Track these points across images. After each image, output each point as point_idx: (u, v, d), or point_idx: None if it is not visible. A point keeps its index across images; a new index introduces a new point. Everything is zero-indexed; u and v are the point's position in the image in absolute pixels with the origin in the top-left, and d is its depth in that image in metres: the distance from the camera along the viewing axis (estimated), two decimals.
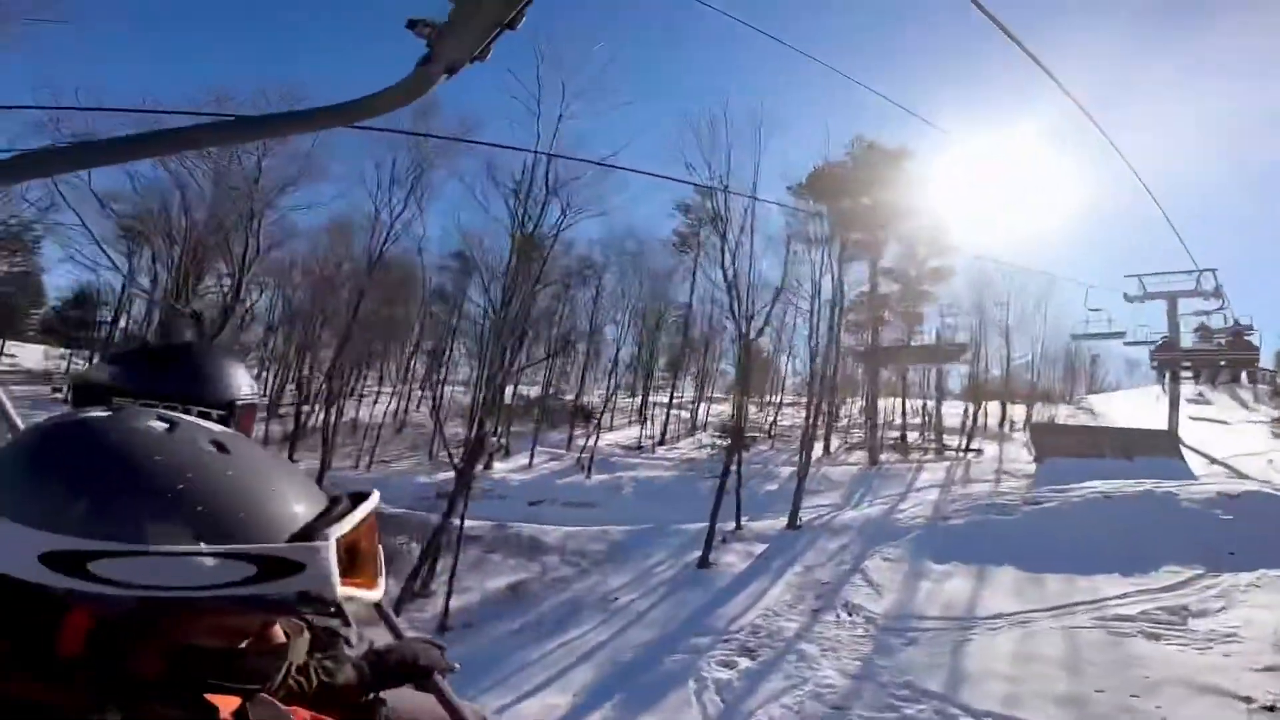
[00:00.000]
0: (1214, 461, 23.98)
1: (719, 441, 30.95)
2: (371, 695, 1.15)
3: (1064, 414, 36.12)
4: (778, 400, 36.76)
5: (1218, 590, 13.22)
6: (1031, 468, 21.80)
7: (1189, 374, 26.04)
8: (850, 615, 14.32)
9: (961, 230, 38.83)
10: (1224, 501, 16.45)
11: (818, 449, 29.17)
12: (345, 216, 31.44)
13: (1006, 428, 34.25)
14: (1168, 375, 25.38)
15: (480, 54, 1.34)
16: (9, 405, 1.72)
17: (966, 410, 31.81)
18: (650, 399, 39.27)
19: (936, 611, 13.88)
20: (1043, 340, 36.16)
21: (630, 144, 49.90)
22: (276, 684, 0.79)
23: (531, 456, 30.30)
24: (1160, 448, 21.96)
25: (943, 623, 13.36)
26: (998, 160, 40.84)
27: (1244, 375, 30.28)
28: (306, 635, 0.87)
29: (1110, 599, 13.32)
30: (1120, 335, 26.68)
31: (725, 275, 22.01)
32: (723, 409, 38.01)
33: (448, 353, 39.04)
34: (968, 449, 27.95)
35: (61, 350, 44.99)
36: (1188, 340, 25.31)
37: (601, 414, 35.41)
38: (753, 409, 38.04)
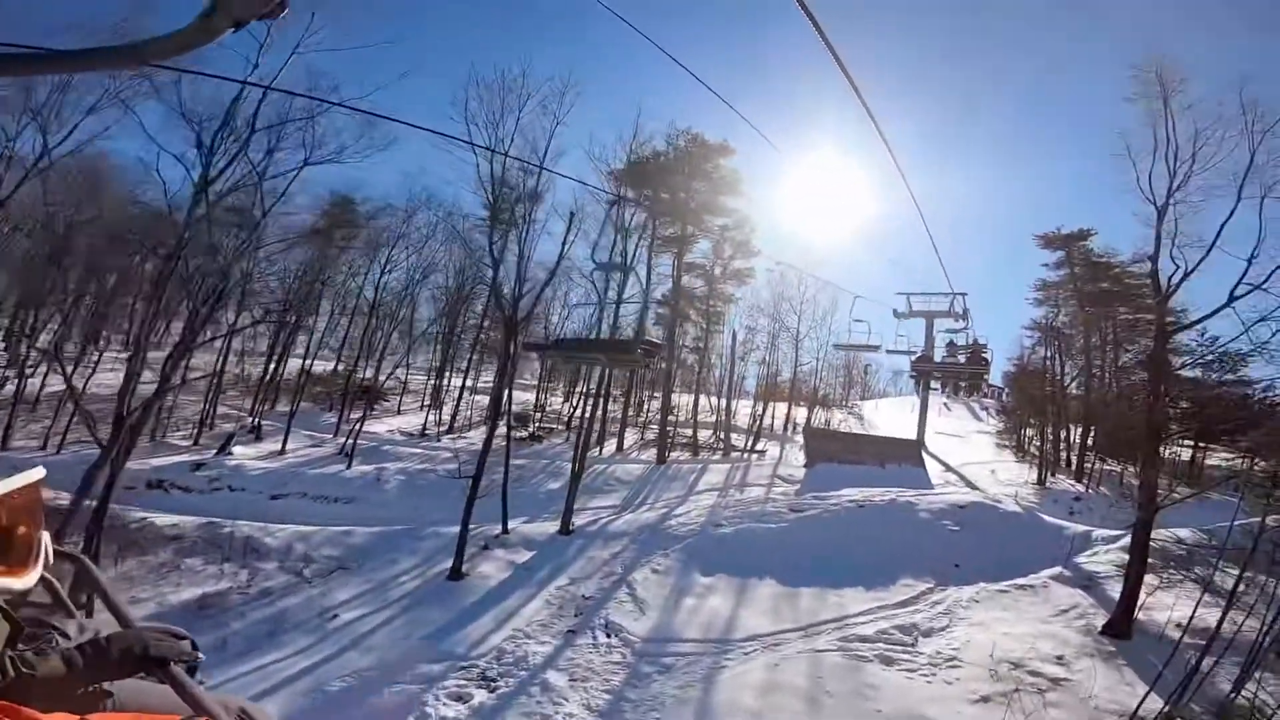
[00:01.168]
0: (949, 469, 26.90)
1: (514, 432, 28.81)
2: (93, 687, 1.05)
3: (838, 417, 39.22)
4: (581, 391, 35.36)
5: (944, 606, 13.94)
6: (804, 471, 22.63)
7: (938, 384, 29.88)
8: (609, 637, 13.05)
9: (766, 238, 40.61)
10: (954, 512, 17.90)
11: (610, 446, 28.35)
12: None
13: (790, 429, 36.25)
14: (921, 384, 29.32)
15: (271, 11, 1.17)
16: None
17: (754, 410, 32.91)
18: (453, 382, 35.98)
19: (696, 632, 13.10)
20: (827, 348, 38.71)
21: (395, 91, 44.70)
22: None
23: (285, 441, 25.75)
24: (908, 456, 24.02)
25: (700, 646, 12.56)
26: (808, 177, 43.00)
27: (978, 389, 36.29)
28: (4, 627, 0.92)
29: (853, 617, 13.45)
30: (876, 348, 29.56)
31: (491, 250, 19.68)
32: (531, 397, 35.98)
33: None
34: (752, 449, 28.83)
35: None
36: (939, 355, 29.61)
37: (378, 393, 31.49)
38: (558, 400, 36.60)
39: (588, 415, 21.07)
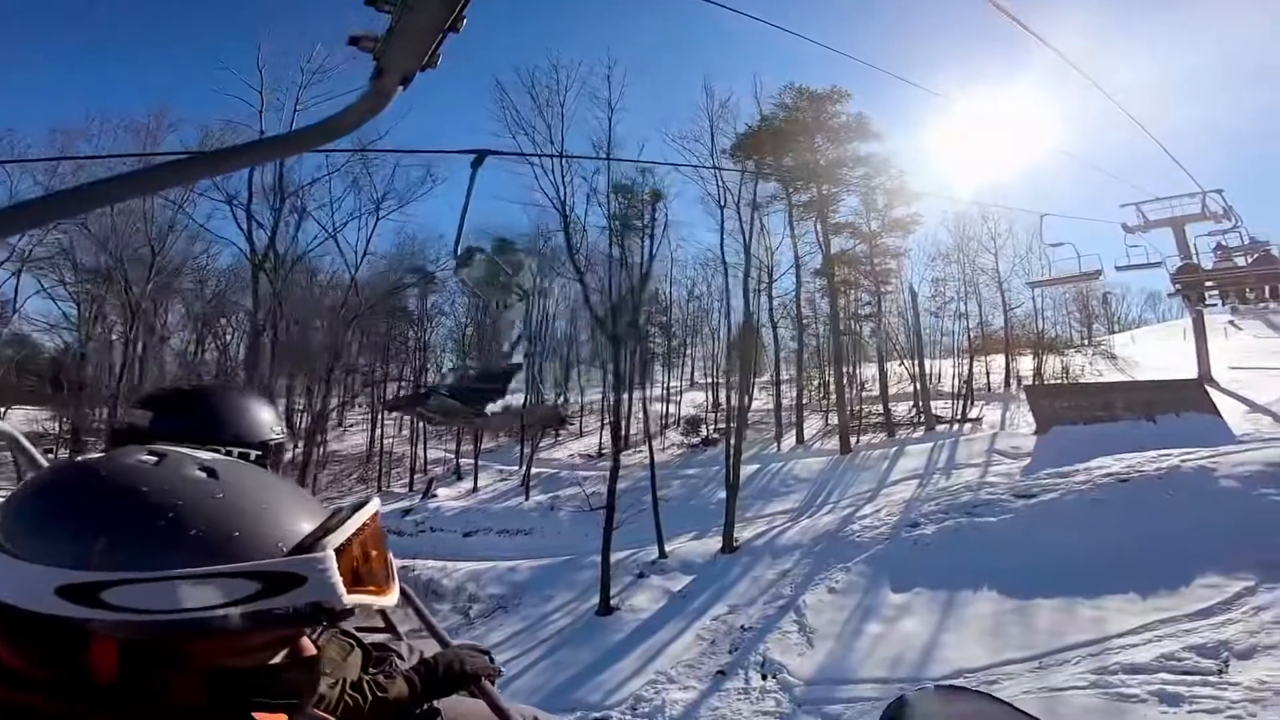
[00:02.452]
0: (1255, 408, 19.68)
1: (686, 440, 27.40)
2: (426, 705, 1.21)
3: (1078, 361, 31.66)
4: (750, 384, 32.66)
5: (1274, 613, 9.36)
6: (1033, 441, 17.80)
7: (1214, 299, 23.55)
8: (764, 679, 10.78)
9: (938, 179, 34.80)
10: (1275, 474, 12.43)
11: (790, 439, 25.50)
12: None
13: (1014, 386, 30.04)
14: (1191, 302, 23.01)
15: (429, 61, 1.36)
16: (26, 443, 1.83)
17: (958, 370, 27.62)
18: (626, 396, 35.71)
19: (880, 669, 10.25)
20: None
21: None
22: (333, 702, 1.02)
23: (475, 478, 27.00)
24: (1188, 401, 17.77)
25: (882, 689, 9.71)
26: (977, 110, 35.98)
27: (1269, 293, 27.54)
28: (358, 653, 1.16)
29: (1118, 637, 9.53)
30: (1095, 275, 23.25)
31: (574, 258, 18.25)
32: (703, 397, 34.36)
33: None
34: (963, 418, 23.91)
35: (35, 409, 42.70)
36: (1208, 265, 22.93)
37: (560, 418, 31.98)
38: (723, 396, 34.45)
39: (739, 412, 18.62)
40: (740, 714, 10.23)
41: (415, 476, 29.84)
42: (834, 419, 26.75)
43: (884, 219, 26.23)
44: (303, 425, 30.40)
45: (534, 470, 25.65)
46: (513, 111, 23.37)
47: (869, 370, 28.47)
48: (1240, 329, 34.66)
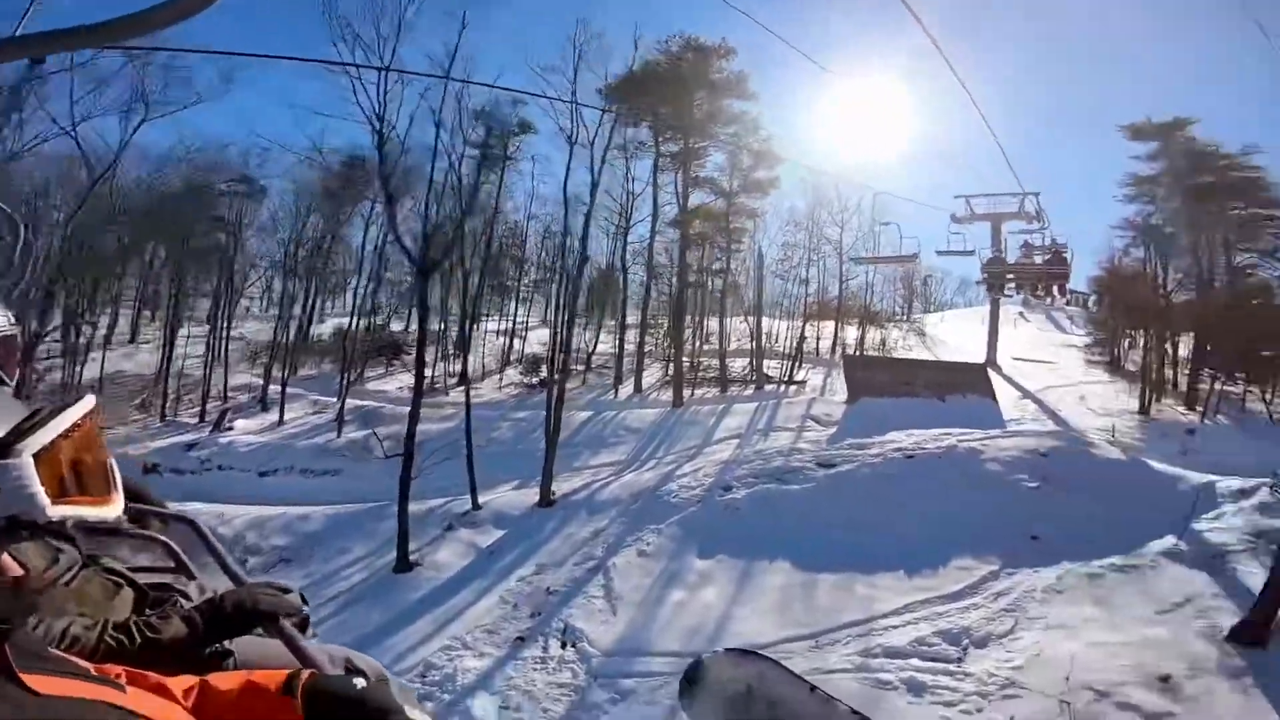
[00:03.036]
0: (1026, 394, 22.65)
1: (525, 380, 26.35)
2: (218, 646, 1.13)
3: (895, 335, 34.70)
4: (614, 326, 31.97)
5: (1011, 598, 10.58)
6: (843, 409, 19.06)
7: (1011, 291, 27.32)
8: (564, 648, 10.55)
9: (803, 154, 35.68)
10: (1032, 461, 14.12)
11: (628, 387, 25.44)
12: None
13: (839, 353, 32.26)
14: (993, 292, 26.39)
15: None
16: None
17: (790, 333, 29.03)
18: (487, 327, 33.56)
19: (675, 641, 10.37)
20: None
21: None
22: (89, 644, 0.95)
23: (282, 410, 24.09)
24: (974, 384, 19.99)
25: (674, 663, 9.80)
26: (853, 86, 36.74)
27: (1056, 292, 32.42)
28: (129, 593, 1.11)
29: (884, 617, 10.33)
30: (912, 258, 26.06)
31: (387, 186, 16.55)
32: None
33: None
34: (790, 380, 25.27)
35: None
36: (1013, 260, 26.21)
37: (398, 346, 29.44)
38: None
39: (561, 359, 18.03)
40: (534, 685, 9.94)
41: (211, 405, 26.15)
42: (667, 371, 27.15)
43: (746, 179, 26.26)
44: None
45: (356, 403, 23.43)
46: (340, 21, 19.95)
47: (714, 324, 29.02)
48: (1028, 320, 39.93)
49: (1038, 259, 25.80)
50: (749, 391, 24.35)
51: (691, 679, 1.49)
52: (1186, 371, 24.55)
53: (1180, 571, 11.10)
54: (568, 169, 22.69)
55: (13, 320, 1.48)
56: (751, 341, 26.24)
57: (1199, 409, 22.09)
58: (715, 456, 16.74)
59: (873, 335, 33.42)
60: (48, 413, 0.65)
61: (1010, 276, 26.24)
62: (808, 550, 12.12)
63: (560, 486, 16.24)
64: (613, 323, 28.53)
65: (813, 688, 1.48)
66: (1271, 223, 26.29)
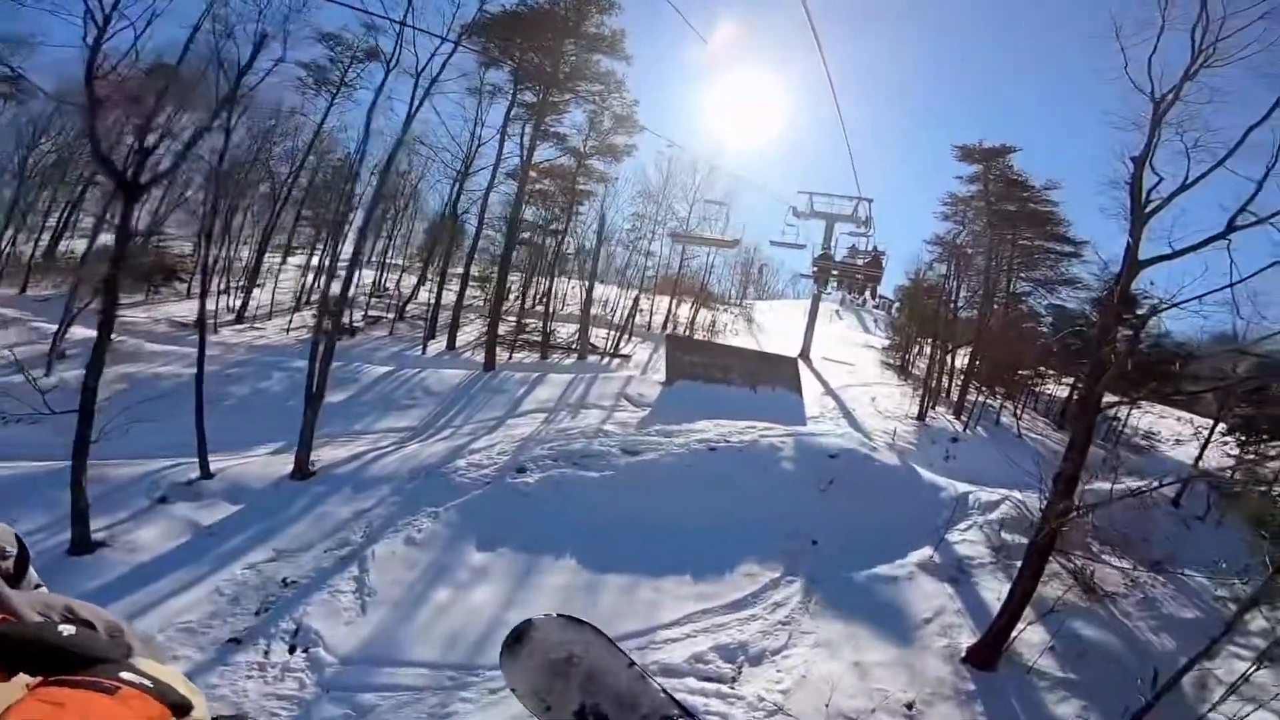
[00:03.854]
0: (828, 391, 23.91)
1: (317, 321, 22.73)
2: None
3: (725, 319, 35.55)
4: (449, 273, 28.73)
5: (788, 610, 10.47)
6: (658, 391, 18.54)
7: (833, 288, 29.58)
8: (292, 652, 8.68)
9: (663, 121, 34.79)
10: (823, 462, 14.46)
11: (439, 344, 23.05)
12: None
13: (670, 327, 32.22)
14: (817, 287, 28.07)
15: None
16: None
17: (623, 303, 28.31)
18: (292, 261, 28.57)
19: (433, 650, 8.95)
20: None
21: None
22: None
23: None
24: (784, 378, 20.51)
25: (429, 676, 8.47)
26: (723, 68, 36.38)
27: (869, 294, 35.85)
28: None
29: (665, 628, 9.73)
30: (733, 243, 28.11)
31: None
32: (395, 279, 29.34)
33: None
34: (615, 352, 24.50)
35: None
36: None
37: (170, 271, 24.14)
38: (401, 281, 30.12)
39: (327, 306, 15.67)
40: (245, 696, 7.99)
41: None
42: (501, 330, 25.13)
43: (601, 142, 24.53)
44: None
45: (88, 333, 18.47)
46: None
47: (549, 285, 27.30)
48: (841, 319, 43.17)
49: (860, 262, 27.96)
50: (570, 361, 23.13)
51: (518, 638, 1.49)
52: (960, 382, 27.53)
53: (931, 586, 11.80)
54: (411, 104, 19.46)
55: None
56: (584, 307, 24.91)
57: (964, 419, 24.76)
58: (517, 431, 15.34)
59: (705, 316, 33.97)
60: None
61: (835, 273, 27.96)
62: (598, 547, 11.25)
63: (326, 455, 13.91)
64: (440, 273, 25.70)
65: (631, 662, 1.55)
66: (1049, 256, 30.02)
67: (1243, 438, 22.01)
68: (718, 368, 19.41)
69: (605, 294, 32.92)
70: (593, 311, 29.34)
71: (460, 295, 22.69)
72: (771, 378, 20.29)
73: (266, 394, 16.72)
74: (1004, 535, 14.54)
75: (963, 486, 16.14)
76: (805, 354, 29.50)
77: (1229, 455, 22.25)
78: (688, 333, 30.99)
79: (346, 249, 30.43)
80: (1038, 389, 29.70)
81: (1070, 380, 29.82)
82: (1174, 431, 27.84)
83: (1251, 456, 21.98)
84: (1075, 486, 10.03)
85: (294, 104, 25.94)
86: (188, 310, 23.50)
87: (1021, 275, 29.90)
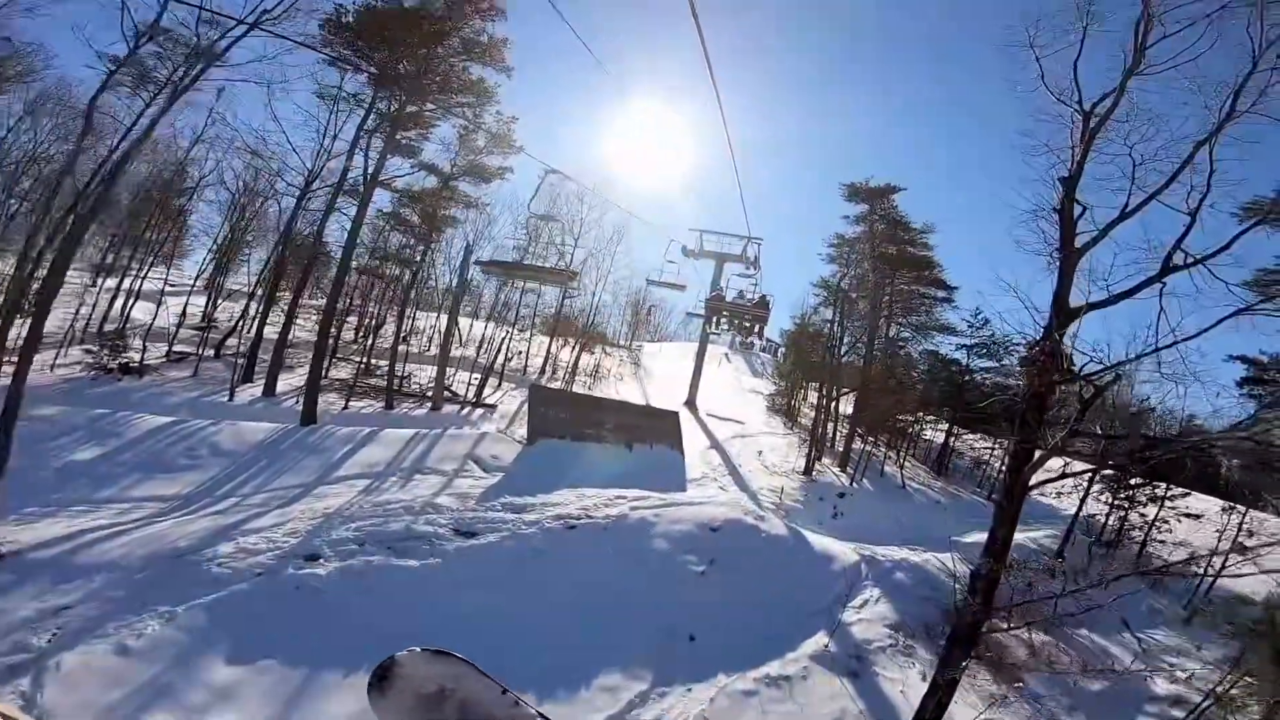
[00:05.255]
0: (714, 444, 22.13)
1: (98, 360, 18.24)
2: None
3: (612, 363, 33.48)
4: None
5: None
6: (517, 451, 15.77)
7: (721, 331, 27.65)
8: None
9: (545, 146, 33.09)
10: (702, 538, 12.26)
11: (255, 389, 19.08)
12: None
13: (549, 371, 29.60)
14: (705, 329, 26.69)
15: None
16: None
17: (488, 345, 25.50)
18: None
19: None
20: (606, 278, 32.71)
21: None
22: None
23: None
24: (664, 434, 18.44)
25: None
26: (617, 95, 35.49)
27: (756, 339, 35.75)
28: None
29: None
30: (570, 275, 25.93)
31: None
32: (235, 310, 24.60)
33: None
34: (478, 401, 21.53)
35: None
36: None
37: None
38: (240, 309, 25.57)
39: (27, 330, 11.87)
40: None
41: None
42: (336, 373, 21.42)
43: (471, 162, 21.82)
44: None
45: None
46: None
47: (399, 323, 23.87)
48: (730, 362, 42.40)
49: (749, 301, 27.60)
50: (422, 412, 19.85)
51: (382, 676, 1.47)
52: (844, 430, 26.79)
53: (828, 684, 9.77)
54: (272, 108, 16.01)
55: None
56: (441, 349, 21.76)
57: (850, 470, 23.78)
58: (323, 504, 11.97)
59: (590, 359, 31.68)
60: None
61: (725, 313, 27.30)
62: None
63: (37, 533, 10.05)
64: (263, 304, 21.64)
65: (504, 689, 1.56)
66: (925, 301, 30.42)
67: (1116, 485, 22.34)
68: (588, 423, 16.97)
69: (483, 332, 29.97)
70: (458, 353, 26.29)
71: (284, 330, 18.92)
72: (650, 434, 18.14)
73: None
74: (900, 604, 13.06)
75: (853, 553, 14.56)
76: (692, 401, 27.98)
77: (1103, 503, 22.58)
78: (568, 378, 28.57)
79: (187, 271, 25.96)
80: (916, 435, 29.71)
81: (944, 428, 30.37)
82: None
83: (1124, 504, 22.38)
84: (995, 588, 8.34)
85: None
86: None
87: (900, 320, 30.12)
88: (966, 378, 29.72)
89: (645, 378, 32.58)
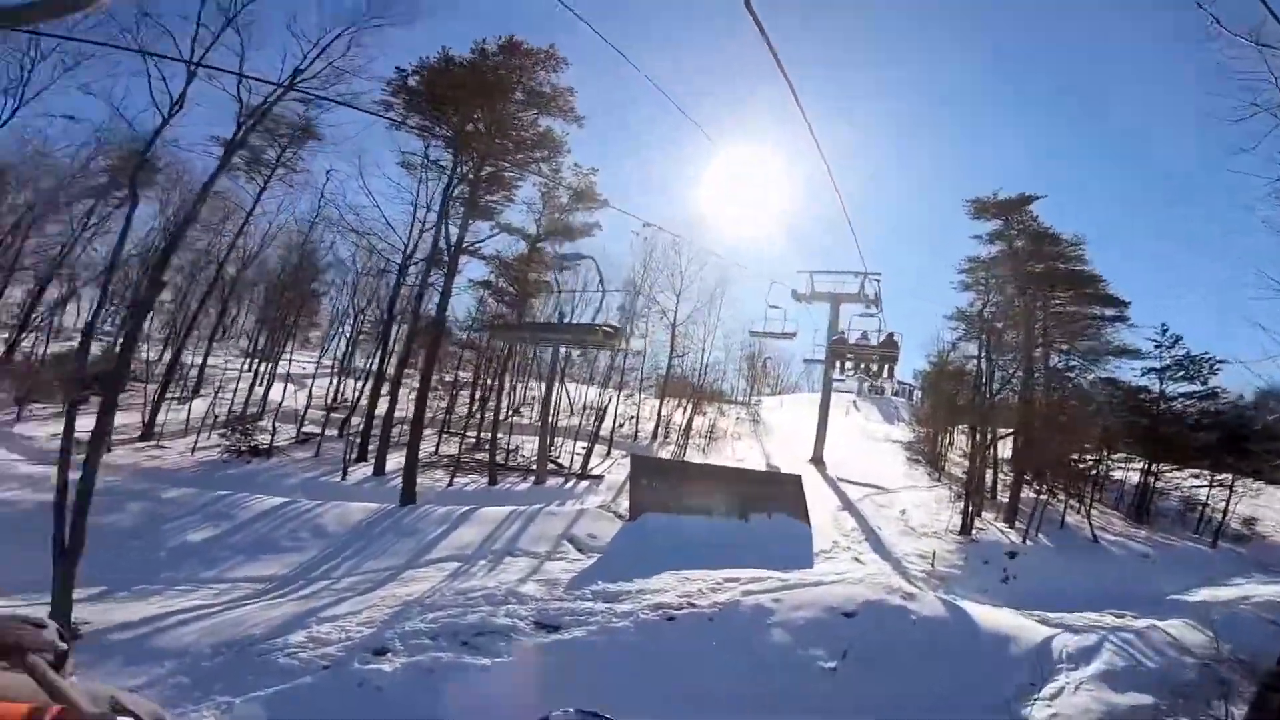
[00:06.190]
0: (846, 505, 19.36)
1: (229, 443, 19.42)
2: None
3: (728, 422, 31.48)
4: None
5: None
6: (617, 528, 14.30)
7: (846, 377, 26.96)
8: None
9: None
10: (833, 626, 10.00)
11: (366, 468, 19.31)
12: None
13: (661, 435, 28.23)
14: (828, 375, 25.48)
15: None
16: None
17: (598, 413, 24.60)
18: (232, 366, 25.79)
19: None
20: (715, 332, 31.33)
21: None
22: None
23: None
24: (785, 501, 16.08)
25: None
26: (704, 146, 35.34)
27: (887, 382, 32.31)
28: None
29: None
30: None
31: None
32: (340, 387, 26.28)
33: None
34: (584, 473, 20.52)
35: None
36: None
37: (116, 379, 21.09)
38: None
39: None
40: None
41: None
42: (447, 448, 21.41)
43: (555, 220, 21.78)
44: None
45: None
46: None
47: (497, 394, 23.73)
48: (859, 410, 38.69)
49: (874, 342, 24.79)
50: (525, 486, 19.08)
51: None
52: (1008, 477, 22.74)
53: None
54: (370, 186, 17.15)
55: None
56: (541, 420, 21.17)
57: (1019, 526, 19.88)
58: (407, 589, 11.15)
59: (702, 420, 30.00)
60: None
61: (849, 356, 25.29)
62: None
63: (128, 612, 10.03)
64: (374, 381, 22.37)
65: None
66: (1091, 322, 26.00)
67: None
68: (697, 494, 15.20)
69: (589, 397, 29.38)
70: (566, 422, 25.73)
71: (390, 408, 19.18)
72: (768, 502, 15.87)
73: (106, 530, 13.01)
74: (1114, 695, 9.96)
75: (1038, 627, 11.47)
76: (818, 456, 25.25)
77: None
78: (681, 441, 27.01)
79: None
80: (1103, 476, 24.66)
81: (1139, 466, 25.05)
82: None
83: None
84: None
85: (227, 189, 23.64)
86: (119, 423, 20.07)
87: (1061, 346, 25.74)
88: (1162, 406, 24.63)
89: (765, 434, 30.18)
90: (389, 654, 8.86)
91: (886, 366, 25.95)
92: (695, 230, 40.14)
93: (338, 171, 24.13)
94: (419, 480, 17.52)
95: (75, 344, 22.32)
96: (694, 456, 25.41)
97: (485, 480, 19.08)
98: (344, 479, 17.96)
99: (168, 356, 24.48)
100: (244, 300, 31.46)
